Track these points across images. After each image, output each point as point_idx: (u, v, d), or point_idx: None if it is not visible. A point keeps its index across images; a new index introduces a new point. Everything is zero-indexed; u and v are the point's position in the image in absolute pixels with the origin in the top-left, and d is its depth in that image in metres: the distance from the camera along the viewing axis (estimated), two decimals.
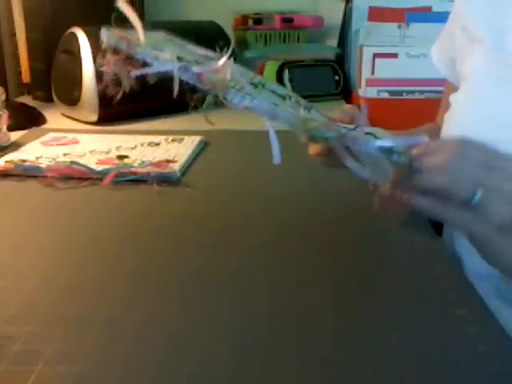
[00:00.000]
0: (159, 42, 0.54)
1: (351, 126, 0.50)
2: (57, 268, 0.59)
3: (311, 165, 0.65)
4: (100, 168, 0.85)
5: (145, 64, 0.48)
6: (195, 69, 0.48)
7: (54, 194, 0.80)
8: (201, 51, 0.56)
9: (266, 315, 0.51)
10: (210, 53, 0.61)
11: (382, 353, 0.46)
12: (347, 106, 0.64)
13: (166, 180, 0.83)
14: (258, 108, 0.49)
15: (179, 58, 0.48)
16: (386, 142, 0.49)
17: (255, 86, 0.54)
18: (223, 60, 0.48)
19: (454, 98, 0.73)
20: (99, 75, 1.15)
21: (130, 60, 0.48)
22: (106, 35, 0.48)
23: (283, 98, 0.56)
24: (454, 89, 0.75)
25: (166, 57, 0.48)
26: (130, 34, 0.49)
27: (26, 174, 0.85)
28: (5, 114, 0.99)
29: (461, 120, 0.71)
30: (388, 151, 0.49)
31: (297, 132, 0.49)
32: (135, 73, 0.47)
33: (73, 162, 0.86)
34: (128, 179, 0.83)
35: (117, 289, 0.55)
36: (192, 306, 0.52)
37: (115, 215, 0.69)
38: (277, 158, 0.50)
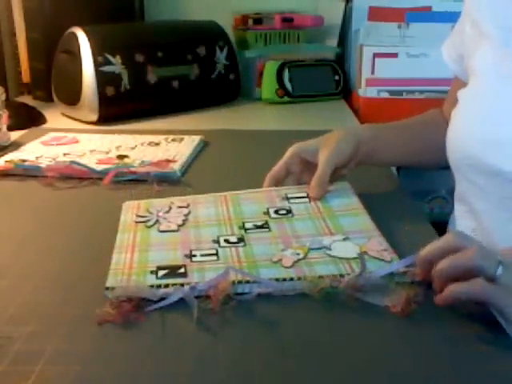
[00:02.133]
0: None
1: (356, 271, 0.54)
2: (57, 268, 0.59)
3: None
4: (100, 168, 0.85)
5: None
6: (201, 285, 0.52)
7: (54, 193, 0.80)
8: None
9: (264, 314, 0.51)
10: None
11: (380, 353, 0.46)
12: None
13: (166, 179, 0.83)
14: (269, 289, 0.53)
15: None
16: (387, 270, 0.54)
17: (243, 241, 0.61)
18: (225, 276, 0.52)
19: (461, 94, 0.73)
20: (99, 75, 1.15)
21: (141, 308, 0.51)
22: (113, 295, 0.52)
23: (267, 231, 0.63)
24: (462, 85, 0.75)
25: (170, 291, 0.52)
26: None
27: (26, 173, 0.86)
28: (5, 114, 0.99)
29: (467, 116, 0.71)
30: (390, 276, 0.54)
31: (310, 294, 0.52)
32: (149, 308, 0.51)
33: (73, 162, 0.86)
34: (128, 179, 0.83)
35: None
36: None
37: (115, 215, 0.69)
38: None
